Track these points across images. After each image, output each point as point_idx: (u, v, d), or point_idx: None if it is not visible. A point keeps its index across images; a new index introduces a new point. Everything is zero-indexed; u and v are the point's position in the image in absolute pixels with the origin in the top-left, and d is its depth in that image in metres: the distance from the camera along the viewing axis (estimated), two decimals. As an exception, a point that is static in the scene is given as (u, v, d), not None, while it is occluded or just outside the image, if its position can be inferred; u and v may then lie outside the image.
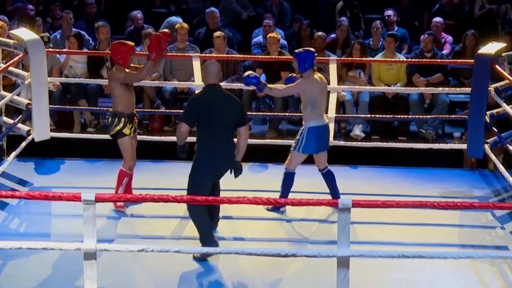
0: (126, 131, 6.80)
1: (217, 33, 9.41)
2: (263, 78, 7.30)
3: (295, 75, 7.02)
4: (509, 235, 6.72)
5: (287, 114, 9.08)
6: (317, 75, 6.89)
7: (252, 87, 7.36)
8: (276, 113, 9.18)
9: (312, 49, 7.01)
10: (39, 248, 5.08)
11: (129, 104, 6.81)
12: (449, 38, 10.31)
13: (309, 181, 7.71)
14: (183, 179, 7.12)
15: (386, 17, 10.55)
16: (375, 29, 10.01)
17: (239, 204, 5.18)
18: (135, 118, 6.94)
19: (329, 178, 7.06)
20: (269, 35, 9.34)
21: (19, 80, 7.97)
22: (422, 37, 10.03)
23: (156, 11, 11.59)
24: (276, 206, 6.95)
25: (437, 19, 10.37)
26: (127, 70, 6.76)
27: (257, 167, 8.10)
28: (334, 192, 7.03)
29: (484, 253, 6.13)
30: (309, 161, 8.27)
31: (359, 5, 11.16)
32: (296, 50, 6.94)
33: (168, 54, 9.44)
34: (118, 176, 6.87)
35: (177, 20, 10.48)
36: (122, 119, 6.77)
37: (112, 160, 8.28)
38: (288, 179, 6.96)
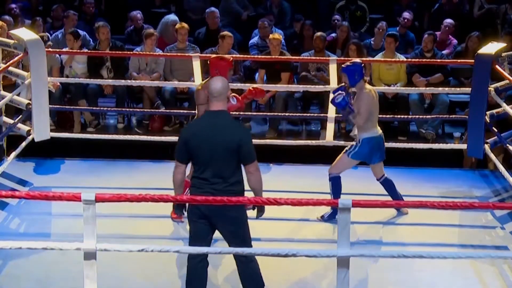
0: None
1: (228, 33, 9.34)
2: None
3: (344, 84, 6.73)
4: (509, 235, 6.72)
5: (287, 114, 9.09)
6: (369, 86, 6.73)
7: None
8: (276, 113, 9.19)
9: (358, 60, 6.77)
10: (39, 248, 5.07)
11: None
12: (455, 41, 10.29)
13: (309, 181, 7.72)
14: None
15: (405, 20, 10.47)
16: (380, 30, 9.99)
17: (239, 204, 5.17)
18: None
19: (388, 186, 6.90)
20: (271, 36, 9.33)
21: (19, 80, 7.97)
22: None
23: (156, 11, 11.59)
24: (332, 214, 6.78)
25: (448, 20, 10.36)
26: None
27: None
28: (395, 198, 6.79)
29: (484, 253, 6.12)
30: (310, 161, 8.28)
31: (367, 8, 11.12)
32: (343, 65, 6.68)
33: (168, 54, 9.48)
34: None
35: (174, 19, 10.48)
36: None
37: (112, 160, 8.30)
38: (336, 183, 6.79)
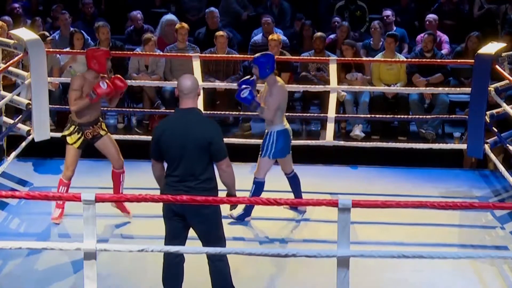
0: (70, 140, 6.62)
1: (220, 33, 9.41)
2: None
3: (250, 77, 6.71)
4: (509, 235, 6.72)
5: (287, 114, 9.06)
6: (280, 79, 6.69)
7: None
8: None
9: (271, 52, 6.72)
10: (39, 248, 5.08)
11: (83, 114, 6.58)
12: (445, 37, 10.28)
13: (309, 181, 7.71)
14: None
15: (385, 17, 10.56)
16: (373, 29, 10.02)
17: (239, 204, 5.18)
18: (93, 129, 6.69)
19: (294, 182, 6.89)
20: (270, 37, 9.33)
21: (19, 80, 7.97)
22: (418, 37, 10.10)
23: (156, 11, 11.60)
24: (243, 215, 6.73)
25: (431, 16, 10.38)
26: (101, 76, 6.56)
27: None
28: (298, 196, 6.84)
29: (484, 253, 6.13)
30: (310, 161, 8.28)
31: (366, 7, 11.11)
32: (255, 55, 6.66)
33: (168, 54, 9.48)
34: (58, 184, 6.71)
35: (169, 18, 10.47)
36: (72, 127, 6.60)
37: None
38: (258, 189, 6.69)
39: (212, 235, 5.18)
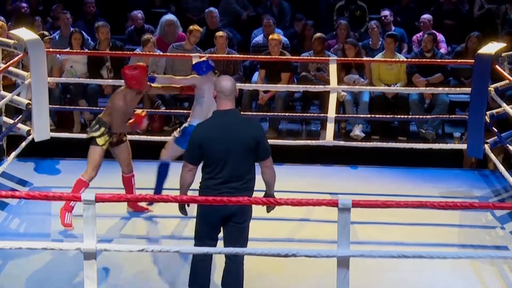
0: (100, 141, 6.56)
1: (220, 33, 9.42)
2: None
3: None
4: (509, 235, 6.73)
5: (287, 114, 9.08)
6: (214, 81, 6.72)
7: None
8: (276, 113, 9.19)
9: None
10: (39, 248, 5.07)
11: (122, 123, 6.62)
12: (441, 37, 10.27)
13: (309, 181, 7.72)
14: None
15: (383, 17, 10.55)
16: (371, 30, 10.03)
17: (239, 204, 5.17)
18: (120, 136, 6.74)
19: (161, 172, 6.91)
20: (270, 36, 9.33)
21: (19, 80, 7.97)
22: (414, 37, 10.12)
23: (156, 11, 11.60)
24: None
25: (426, 16, 10.38)
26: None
27: (257, 167, 8.07)
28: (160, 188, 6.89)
29: (484, 253, 6.13)
30: (310, 161, 8.29)
31: (366, 7, 11.11)
32: (194, 62, 6.71)
33: (168, 54, 9.48)
34: (74, 185, 6.56)
35: (168, 18, 10.47)
36: (103, 128, 6.55)
37: (112, 160, 8.28)
38: (164, 170, 6.80)
39: (245, 234, 5.21)
